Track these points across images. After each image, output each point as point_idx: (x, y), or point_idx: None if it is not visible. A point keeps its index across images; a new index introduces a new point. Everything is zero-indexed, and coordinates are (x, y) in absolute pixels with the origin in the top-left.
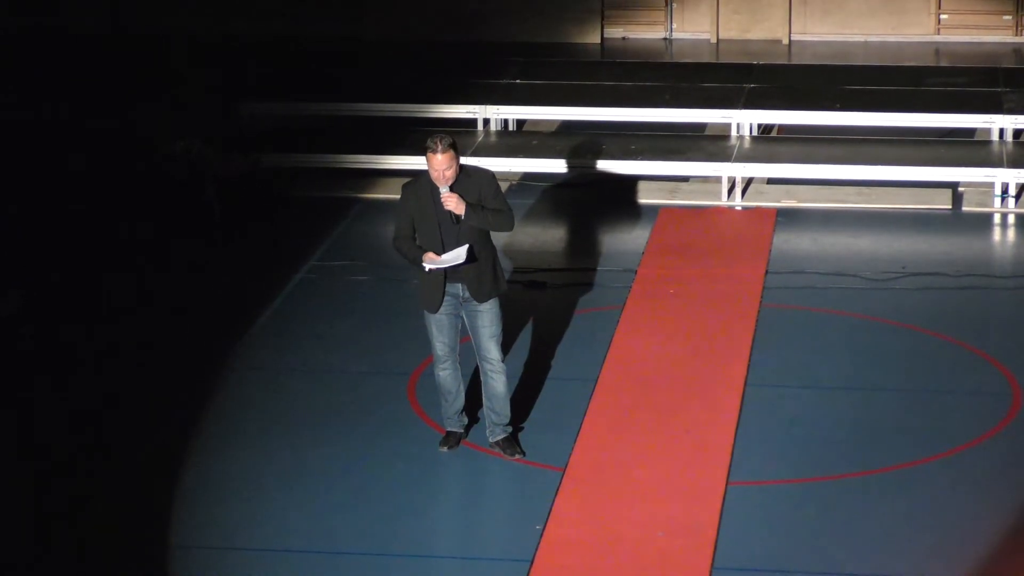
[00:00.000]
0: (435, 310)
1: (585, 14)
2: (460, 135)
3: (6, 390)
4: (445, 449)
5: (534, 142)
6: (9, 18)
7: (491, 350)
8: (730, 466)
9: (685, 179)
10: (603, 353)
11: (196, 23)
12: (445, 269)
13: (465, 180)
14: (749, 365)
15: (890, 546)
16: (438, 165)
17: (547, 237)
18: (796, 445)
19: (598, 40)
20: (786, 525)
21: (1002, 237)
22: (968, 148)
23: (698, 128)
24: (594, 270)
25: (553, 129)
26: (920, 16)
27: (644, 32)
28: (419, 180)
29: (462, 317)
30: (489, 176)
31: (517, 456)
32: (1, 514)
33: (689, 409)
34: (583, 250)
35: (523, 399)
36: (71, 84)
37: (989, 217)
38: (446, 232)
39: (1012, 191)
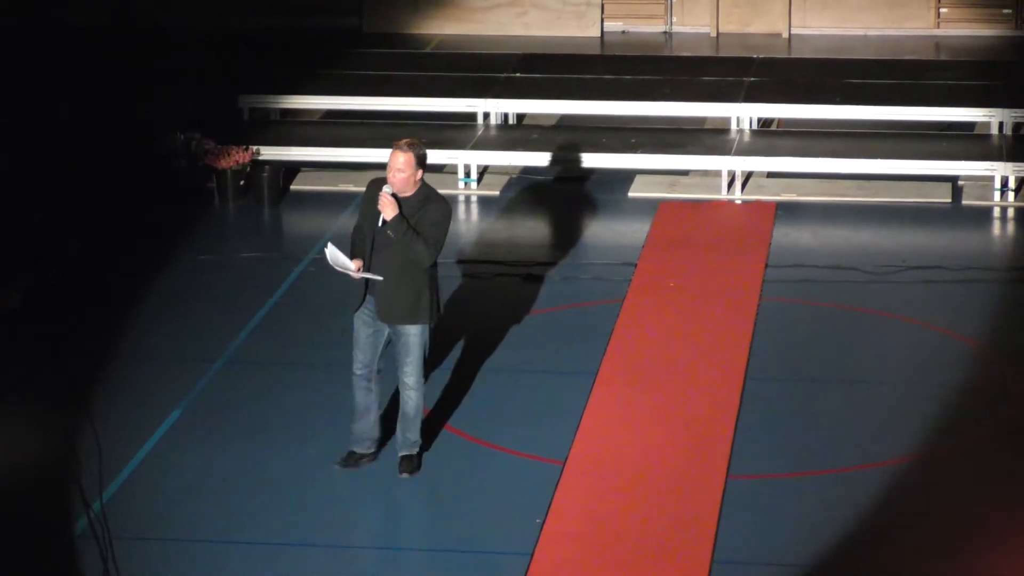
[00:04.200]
0: (354, 309)
1: (584, 7)
2: (460, 129)
3: (5, 380)
4: (339, 467)
5: (534, 136)
6: (9, 12)
7: (407, 371)
8: (730, 459)
9: (685, 173)
10: (603, 347)
11: (194, 17)
12: (367, 279)
13: (417, 197)
14: (749, 358)
15: (889, 540)
16: (393, 164)
17: (546, 231)
18: (796, 439)
19: (598, 33)
20: (786, 519)
21: (1002, 230)
22: (968, 142)
23: (698, 122)
24: (594, 264)
25: (553, 123)
26: (920, 10)
27: (644, 25)
28: (380, 179)
29: (384, 336)
30: (443, 207)
31: (403, 475)
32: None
33: (689, 403)
34: (583, 244)
35: (523, 393)
36: (72, 78)
37: (989, 211)
38: (377, 243)
39: (1012, 185)
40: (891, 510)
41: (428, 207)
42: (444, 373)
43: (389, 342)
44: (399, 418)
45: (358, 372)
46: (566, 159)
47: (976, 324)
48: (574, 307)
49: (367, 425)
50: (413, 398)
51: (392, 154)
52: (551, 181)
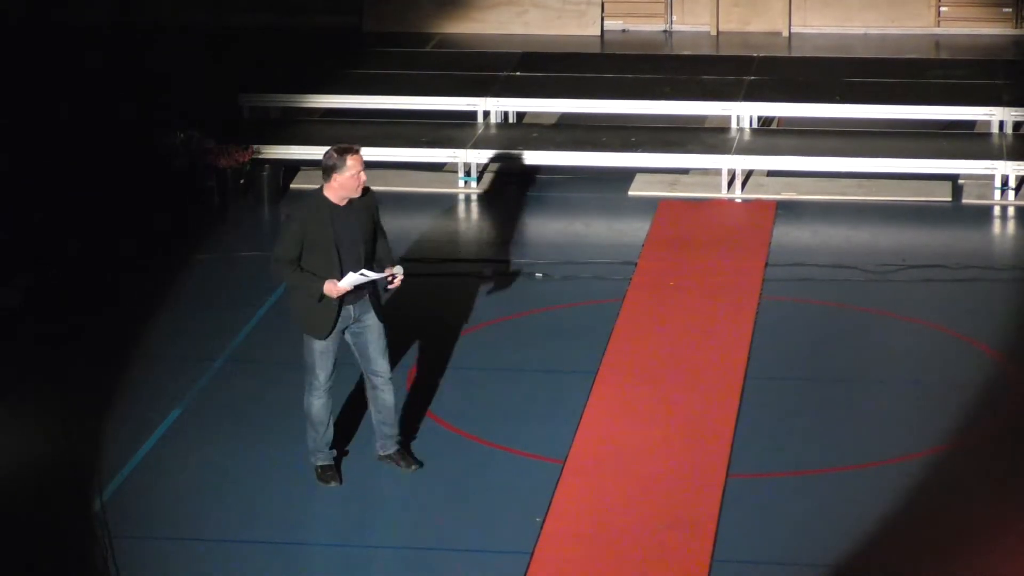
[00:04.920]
0: (327, 335)
1: (585, 6)
2: (460, 127)
3: (5, 380)
4: (334, 484)
5: (534, 135)
6: (10, 11)
7: (381, 364)
8: (730, 458)
9: (685, 171)
10: (603, 345)
11: (194, 16)
12: (350, 290)
13: (359, 197)
14: (749, 357)
15: (889, 540)
16: (357, 167)
17: (546, 230)
18: (796, 437)
19: (598, 32)
20: (786, 518)
21: (1002, 229)
22: (968, 140)
23: (698, 120)
24: (594, 263)
25: (553, 122)
26: (920, 8)
27: (644, 24)
28: (312, 201)
29: (344, 343)
30: (376, 197)
31: (414, 467)
32: (2, 512)
33: (689, 401)
34: (583, 243)
35: (523, 391)
36: (72, 78)
37: (989, 209)
38: (345, 254)
39: (1012, 183)
40: (891, 510)
41: (371, 202)
42: (444, 372)
43: None
44: (384, 413)
45: (322, 384)
46: (566, 158)
47: (976, 323)
48: (574, 306)
49: (332, 435)
50: (393, 389)
51: (351, 159)
52: (551, 180)
